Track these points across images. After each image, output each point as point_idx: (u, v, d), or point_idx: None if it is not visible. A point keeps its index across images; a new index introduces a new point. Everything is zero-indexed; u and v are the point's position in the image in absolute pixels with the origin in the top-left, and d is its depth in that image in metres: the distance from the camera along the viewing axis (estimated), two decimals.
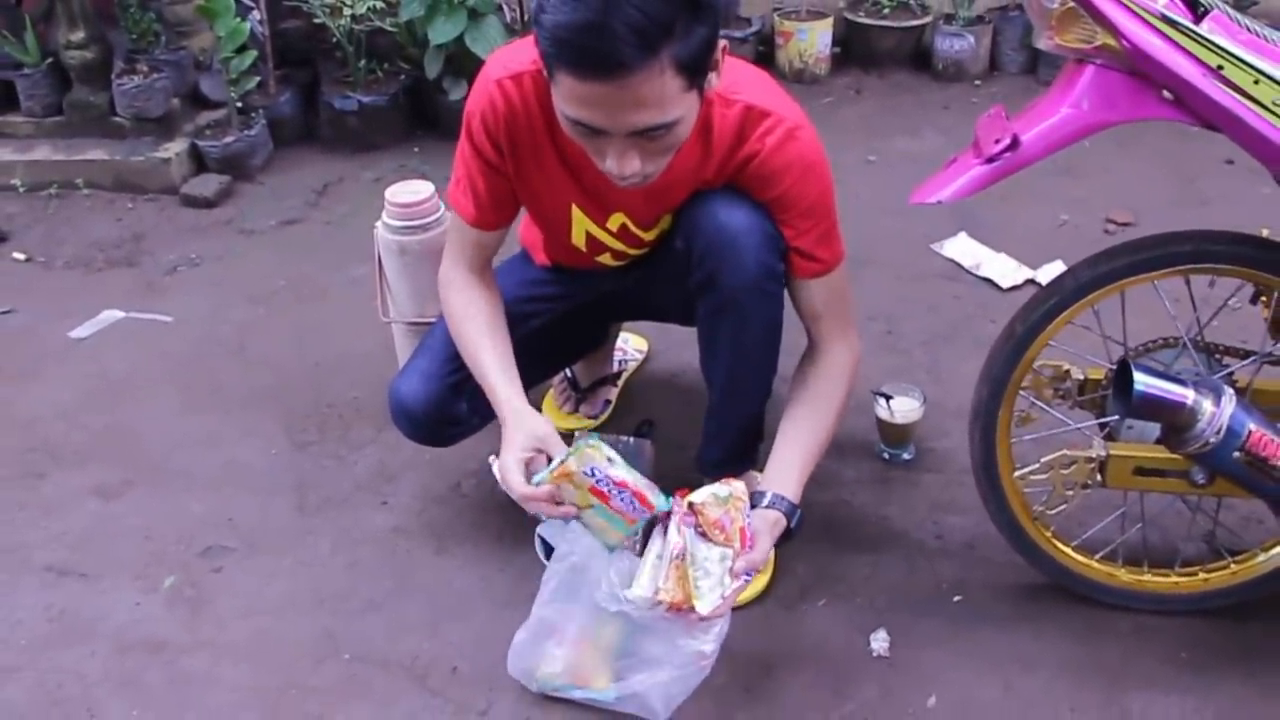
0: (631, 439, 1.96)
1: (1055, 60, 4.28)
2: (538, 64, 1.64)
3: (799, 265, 1.77)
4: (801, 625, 1.91)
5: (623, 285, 2.04)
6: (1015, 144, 1.55)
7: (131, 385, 2.57)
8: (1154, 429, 1.78)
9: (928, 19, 4.00)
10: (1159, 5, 1.45)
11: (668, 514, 1.65)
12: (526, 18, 3.64)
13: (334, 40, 3.54)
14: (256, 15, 3.52)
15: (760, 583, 1.96)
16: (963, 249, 2.93)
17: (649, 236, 1.88)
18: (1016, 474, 1.78)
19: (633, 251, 1.92)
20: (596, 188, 1.76)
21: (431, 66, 3.45)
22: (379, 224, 2.28)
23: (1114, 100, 1.52)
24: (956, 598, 1.95)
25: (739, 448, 1.99)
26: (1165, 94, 1.50)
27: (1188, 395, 1.55)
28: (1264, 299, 1.83)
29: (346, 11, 3.41)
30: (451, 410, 1.95)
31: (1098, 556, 1.90)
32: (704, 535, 1.63)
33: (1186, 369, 1.75)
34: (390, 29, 3.52)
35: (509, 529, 2.08)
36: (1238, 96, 1.46)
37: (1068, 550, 1.89)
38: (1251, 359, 1.77)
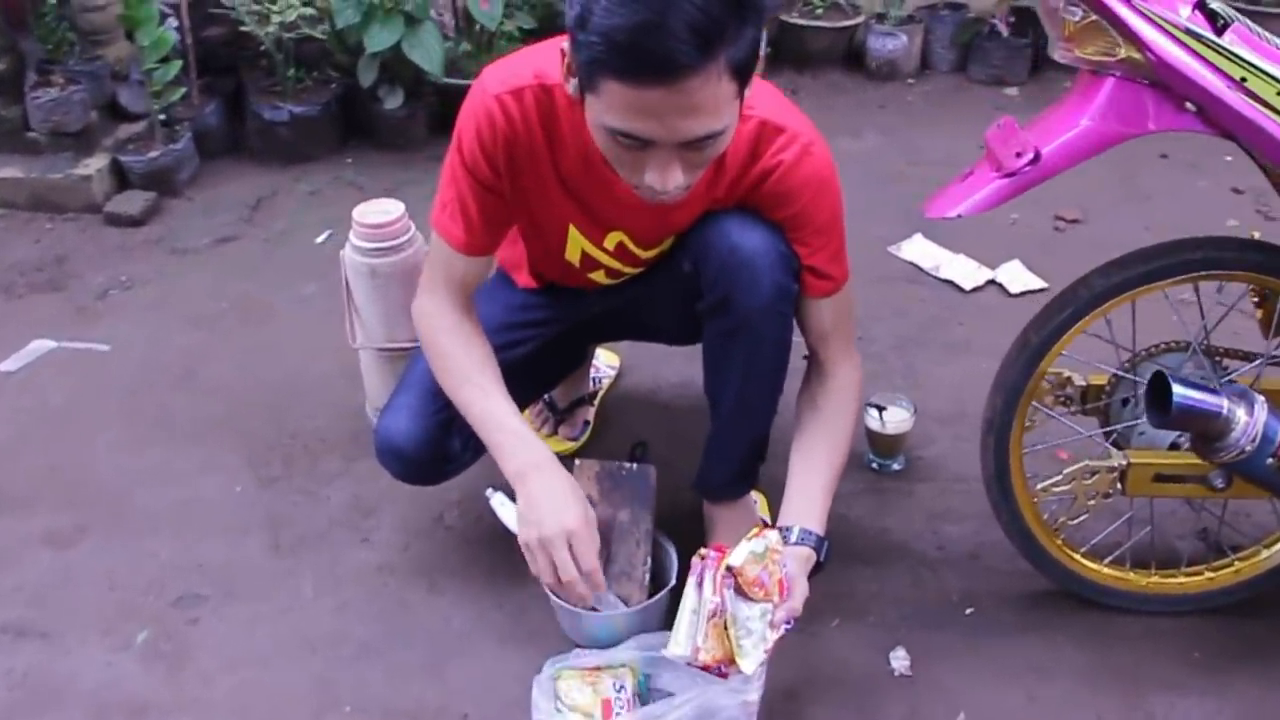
0: (635, 465, 1.91)
1: (987, 59, 4.39)
2: (539, 78, 1.60)
3: (811, 284, 1.73)
4: (818, 648, 1.87)
5: (613, 306, 1.97)
6: (1037, 158, 1.54)
7: (73, 420, 2.42)
8: (1166, 435, 1.79)
9: (860, 19, 4.00)
10: (1183, 19, 1.46)
11: (701, 565, 1.61)
12: (462, 25, 3.56)
13: (260, 48, 3.39)
14: (173, 22, 3.35)
15: None
16: (921, 251, 2.93)
17: (647, 255, 1.82)
18: (1040, 485, 1.77)
19: (628, 270, 1.86)
20: (596, 206, 1.71)
21: (366, 75, 3.32)
22: (346, 246, 2.18)
23: (1136, 112, 1.53)
24: (968, 610, 1.94)
25: (743, 470, 1.95)
26: (1188, 105, 1.51)
27: (1222, 404, 1.56)
28: (1256, 301, 1.85)
29: (275, 19, 3.26)
30: (445, 447, 1.86)
31: (1106, 561, 1.91)
32: (742, 594, 1.59)
33: (1192, 373, 1.76)
34: (319, 36, 3.38)
35: (500, 562, 2.00)
36: (1259, 107, 1.48)
37: (1077, 557, 1.89)
38: (1258, 361, 1.79)
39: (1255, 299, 1.84)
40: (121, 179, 3.26)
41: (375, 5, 3.22)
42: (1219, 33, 1.47)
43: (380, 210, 2.16)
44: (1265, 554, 1.88)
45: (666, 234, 1.77)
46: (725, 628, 1.58)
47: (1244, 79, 1.46)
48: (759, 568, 1.59)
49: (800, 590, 1.63)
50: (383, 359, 2.24)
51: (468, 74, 3.50)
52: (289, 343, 2.65)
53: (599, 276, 1.87)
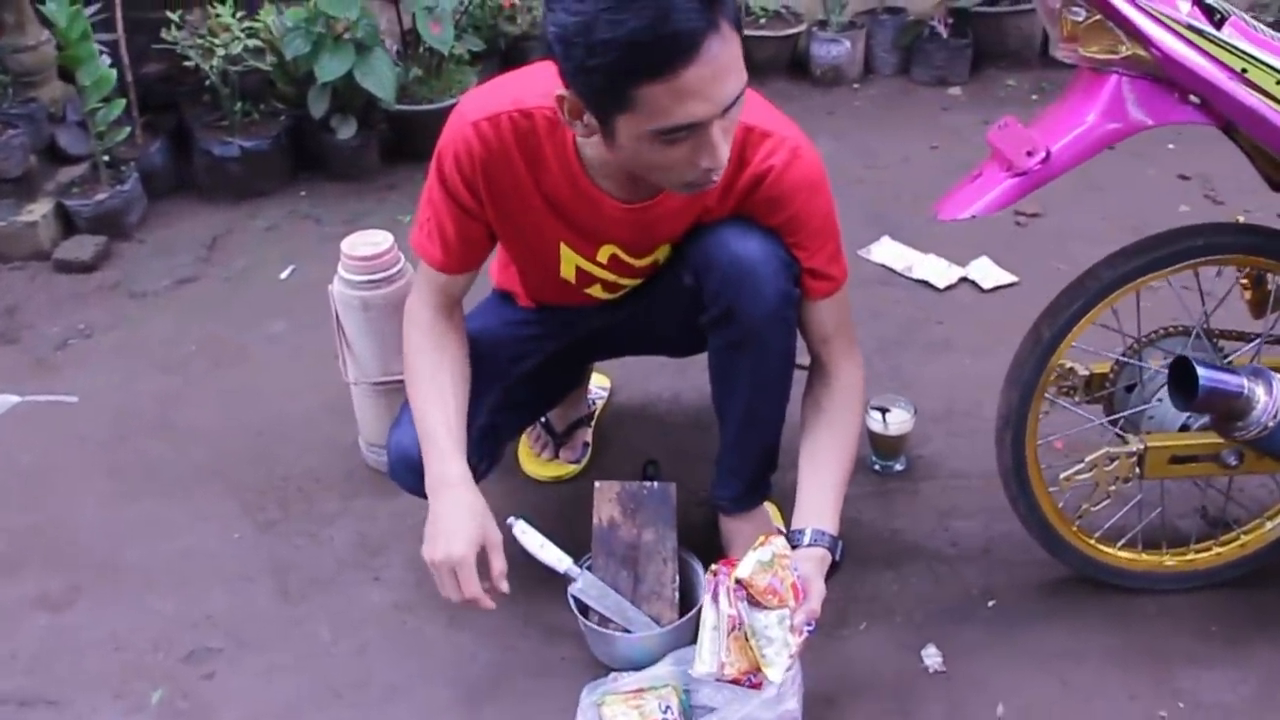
0: (654, 485, 1.91)
1: (929, 61, 4.47)
2: (517, 103, 1.62)
3: (812, 286, 1.75)
4: (850, 651, 1.88)
5: (614, 320, 1.97)
6: (1048, 156, 1.57)
7: (49, 476, 2.33)
8: (1175, 419, 1.82)
9: (802, 27, 4.04)
10: (1183, 14, 1.50)
11: (714, 581, 1.63)
12: (411, 50, 3.52)
13: (205, 83, 3.32)
14: (106, 60, 3.25)
15: None
16: (891, 253, 2.96)
17: (642, 264, 1.81)
18: (1063, 475, 1.79)
19: (624, 281, 1.85)
20: (584, 223, 1.71)
21: (317, 105, 3.27)
22: (335, 280, 2.14)
23: (1142, 107, 1.57)
24: (990, 603, 1.96)
25: (756, 481, 1.95)
26: (1191, 98, 1.55)
27: (1243, 384, 1.60)
28: (1245, 284, 1.90)
29: (220, 52, 3.20)
30: None
31: (1119, 545, 1.94)
32: (757, 603, 1.60)
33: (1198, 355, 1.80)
34: (265, 68, 3.32)
35: (521, 591, 1.95)
36: (1261, 97, 1.52)
37: (1093, 542, 1.93)
38: (1255, 341, 1.84)
39: (1245, 282, 1.90)
40: (67, 224, 3.17)
41: (324, 34, 3.18)
42: (1218, 26, 1.50)
43: (369, 242, 2.12)
44: (1269, 525, 1.93)
45: (657, 243, 1.78)
46: (746, 639, 1.59)
47: (1245, 70, 1.50)
48: (769, 575, 1.60)
49: (817, 591, 1.64)
50: (377, 393, 2.20)
51: (418, 99, 3.48)
52: (266, 383, 2.59)
53: (596, 291, 1.87)
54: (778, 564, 1.62)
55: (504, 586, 1.68)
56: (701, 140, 1.41)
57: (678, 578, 1.85)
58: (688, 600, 1.86)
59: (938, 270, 2.88)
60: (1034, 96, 3.97)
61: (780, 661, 1.59)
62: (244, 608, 2.00)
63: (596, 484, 1.89)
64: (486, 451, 1.91)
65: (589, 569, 1.86)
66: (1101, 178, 3.27)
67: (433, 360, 1.77)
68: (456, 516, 1.67)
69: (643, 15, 1.29)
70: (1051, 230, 3.06)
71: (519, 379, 1.95)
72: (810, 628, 1.61)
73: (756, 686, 1.63)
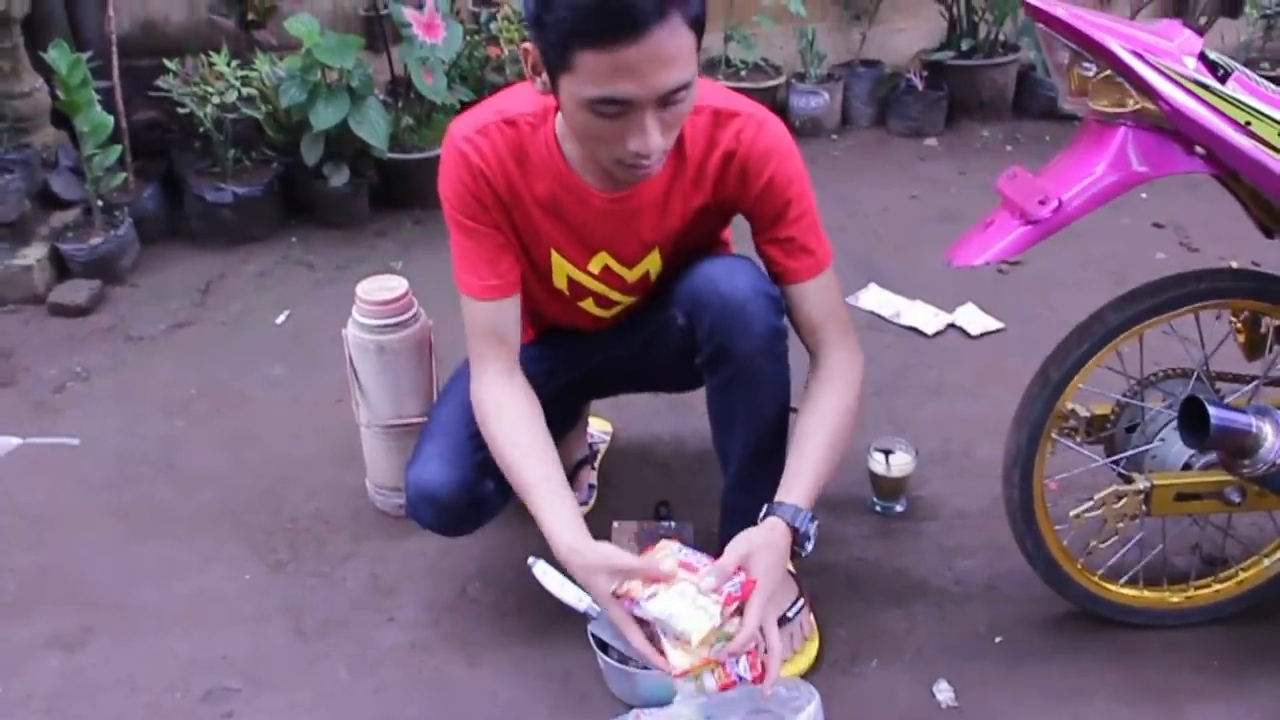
0: (671, 523, 1.94)
1: (905, 112, 4.59)
2: (500, 114, 1.72)
3: (795, 268, 1.79)
4: (864, 687, 1.91)
5: (613, 355, 2.02)
6: (1060, 205, 1.63)
7: (55, 518, 2.33)
8: (1178, 458, 1.88)
9: (781, 79, 4.14)
10: (1190, 69, 1.57)
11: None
12: (402, 99, 3.57)
13: (200, 130, 3.35)
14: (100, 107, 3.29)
15: (810, 652, 1.96)
16: (879, 300, 3.03)
17: (633, 277, 1.87)
18: (1073, 513, 1.84)
19: (615, 295, 1.91)
20: (574, 222, 1.78)
21: (310, 153, 3.31)
22: (349, 324, 2.16)
23: (1150, 157, 1.64)
24: (998, 639, 2.00)
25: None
26: (1197, 149, 1.62)
27: (1251, 422, 1.66)
28: (1239, 328, 1.98)
29: (214, 100, 3.23)
30: (479, 491, 1.88)
31: (1121, 582, 2.00)
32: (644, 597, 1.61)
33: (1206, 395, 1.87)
34: (258, 115, 3.36)
35: (535, 628, 2.00)
36: (1264, 148, 1.58)
37: (1096, 579, 1.98)
38: (1254, 383, 1.92)
39: (1239, 326, 1.97)
40: (62, 268, 3.18)
41: (319, 83, 3.22)
42: (1222, 81, 1.58)
43: (385, 287, 2.15)
44: (1267, 563, 1.99)
45: (645, 246, 1.83)
46: (667, 634, 1.59)
47: (1248, 122, 1.57)
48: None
49: (759, 565, 1.64)
50: (389, 435, 2.22)
51: (409, 148, 3.52)
52: (269, 426, 2.60)
53: (589, 305, 1.93)
54: (652, 555, 1.67)
55: None
56: (633, 121, 1.48)
57: None
58: None
59: (925, 317, 2.95)
60: (1008, 147, 4.08)
61: (702, 626, 1.56)
62: (260, 648, 2.00)
63: (615, 524, 1.92)
64: (501, 484, 1.89)
65: None
66: (1079, 227, 3.26)
67: (514, 429, 1.79)
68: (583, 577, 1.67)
69: None
70: (1034, 278, 3.15)
71: None
72: (735, 594, 1.59)
73: (733, 684, 1.61)
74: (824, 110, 4.07)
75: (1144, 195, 3.56)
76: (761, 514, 1.73)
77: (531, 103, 1.71)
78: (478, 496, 1.89)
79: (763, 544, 1.67)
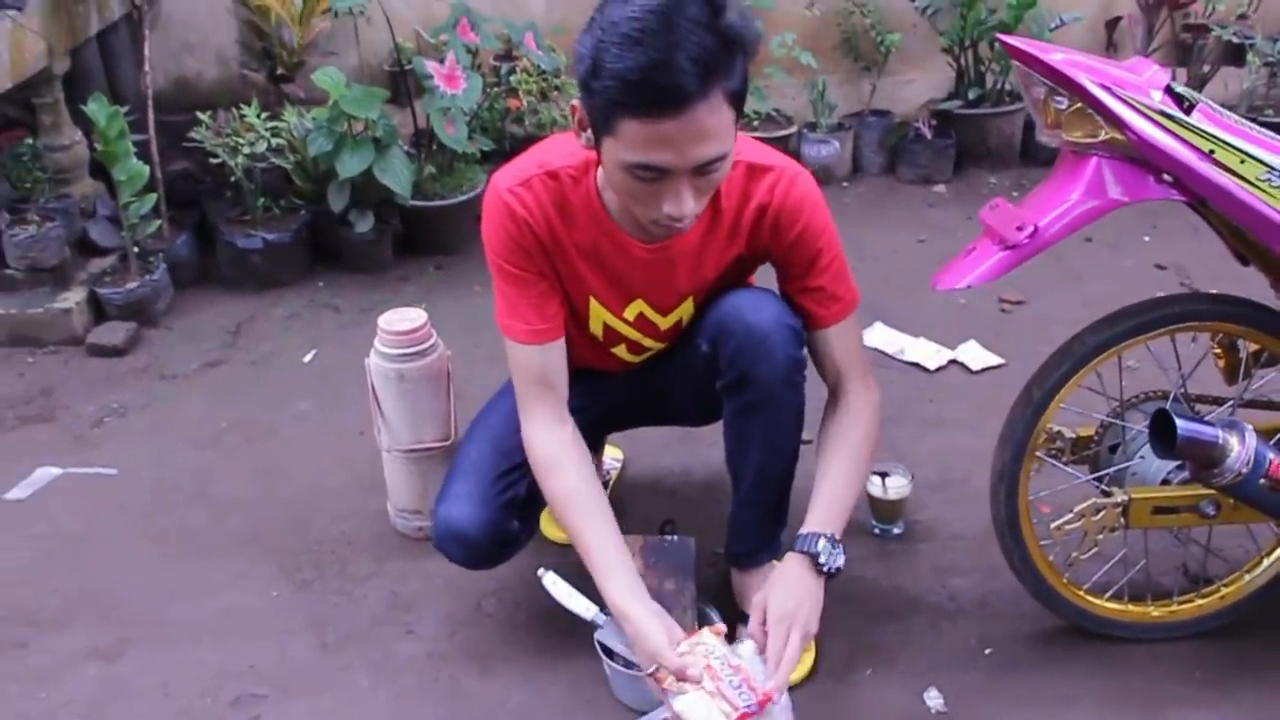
0: (675, 538, 2.02)
1: (914, 160, 4.74)
2: (543, 166, 1.80)
3: (822, 314, 1.89)
4: (858, 694, 2.00)
5: (636, 390, 2.12)
6: (1036, 231, 1.73)
7: (94, 542, 2.45)
8: (1157, 474, 1.97)
9: (793, 129, 4.26)
10: (1156, 101, 1.66)
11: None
12: (425, 149, 3.72)
13: (231, 179, 3.51)
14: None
15: (807, 661, 2.04)
16: (883, 337, 3.13)
17: (666, 324, 1.97)
18: (1054, 525, 1.93)
19: (648, 342, 2.00)
20: (615, 272, 1.87)
21: (337, 201, 3.45)
22: (371, 354, 2.29)
23: (1120, 185, 1.73)
24: (988, 650, 2.08)
25: (766, 537, 2.08)
26: (1165, 177, 1.71)
27: (1218, 434, 1.75)
28: (1218, 352, 2.07)
29: (245, 150, 3.39)
30: (506, 530, 1.97)
31: (1106, 597, 2.07)
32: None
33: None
34: (286, 165, 3.52)
35: (548, 641, 2.10)
36: (1227, 175, 1.67)
37: (1082, 594, 2.06)
38: (1228, 404, 2.01)
39: (1218, 350, 2.06)
40: (99, 311, 3.33)
41: (345, 133, 3.38)
42: (1187, 112, 1.67)
43: (405, 318, 2.28)
44: (1247, 578, 2.07)
45: (680, 296, 1.92)
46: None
47: (1212, 151, 1.66)
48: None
49: (775, 610, 1.75)
50: (409, 460, 2.33)
51: (431, 195, 3.67)
52: (296, 459, 2.72)
53: (621, 351, 2.02)
54: (693, 649, 1.73)
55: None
56: (668, 187, 1.58)
57: (697, 625, 1.94)
58: None
59: (928, 353, 3.05)
60: (1015, 193, 4.15)
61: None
62: (286, 658, 2.11)
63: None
64: (525, 522, 2.03)
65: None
66: (1080, 268, 3.47)
67: (565, 483, 1.86)
68: (644, 633, 1.73)
69: (644, 59, 1.47)
70: (1034, 316, 3.25)
71: None
72: (740, 698, 1.67)
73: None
74: (835, 158, 4.19)
75: (1146, 238, 3.67)
76: (796, 542, 1.82)
77: (573, 155, 1.79)
78: (505, 536, 1.98)
79: (774, 582, 1.80)
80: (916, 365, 3.04)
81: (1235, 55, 4.20)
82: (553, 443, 1.88)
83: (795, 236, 1.84)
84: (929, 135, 4.24)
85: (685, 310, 1.96)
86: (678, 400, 2.12)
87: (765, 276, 1.98)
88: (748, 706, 1.66)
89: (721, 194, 1.79)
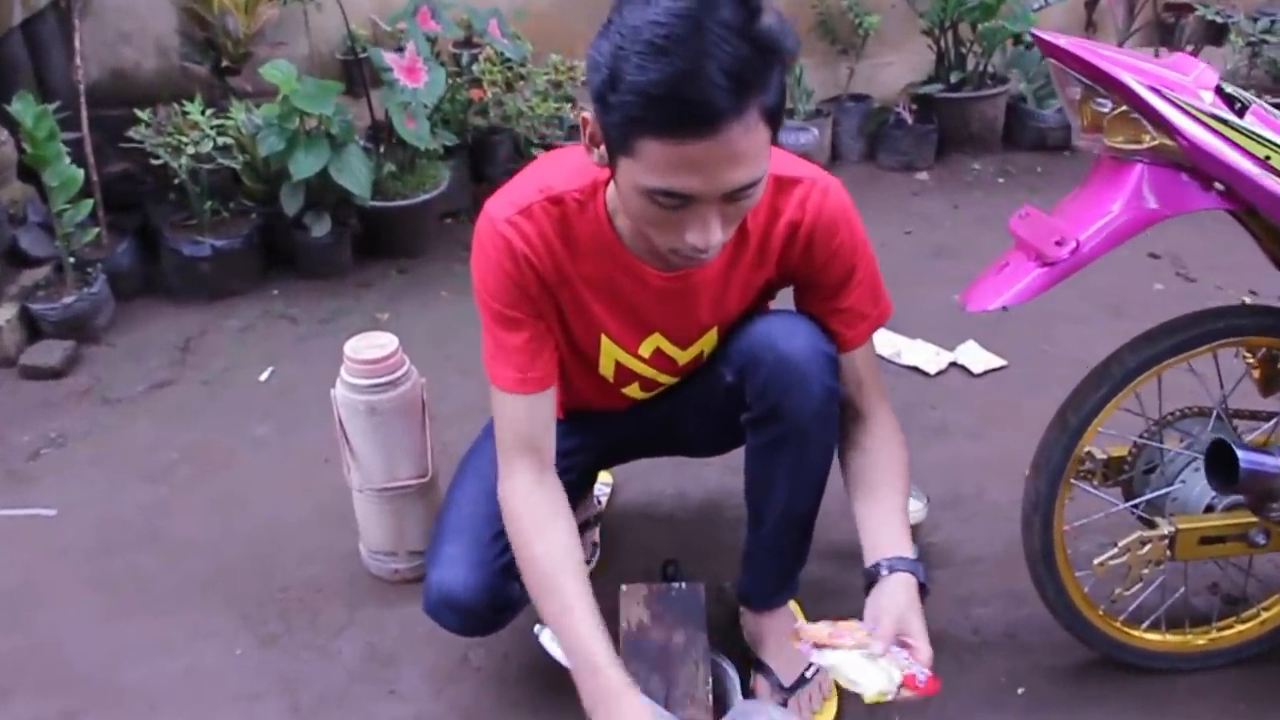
0: (683, 585, 1.89)
1: (895, 146, 4.54)
2: (544, 190, 1.59)
3: (852, 335, 1.74)
4: None
5: (644, 425, 1.94)
6: (1077, 245, 1.58)
7: (33, 595, 2.23)
8: (1200, 500, 1.83)
9: None
10: (1207, 104, 1.53)
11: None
12: (384, 145, 3.51)
13: (175, 181, 3.28)
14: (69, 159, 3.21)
15: (830, 712, 1.90)
16: (879, 339, 2.92)
17: (686, 359, 1.79)
18: (1096, 561, 1.79)
19: (663, 379, 1.83)
20: (628, 303, 1.68)
21: (291, 202, 3.24)
22: (337, 384, 2.09)
23: (1168, 194, 1.60)
24: (1020, 690, 1.95)
25: (787, 577, 1.93)
26: (1216, 186, 1.58)
27: None
28: (1252, 364, 1.93)
29: (189, 150, 3.16)
30: (505, 595, 1.76)
31: (1144, 626, 1.95)
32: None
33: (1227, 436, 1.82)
34: (234, 165, 3.29)
35: (539, 696, 1.93)
36: None
37: (1119, 625, 1.93)
38: (1274, 421, 1.87)
39: (1253, 361, 1.92)
40: (33, 328, 3.09)
41: (298, 131, 3.16)
42: (1239, 115, 1.54)
43: (374, 345, 2.08)
44: None
45: (703, 328, 1.75)
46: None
47: (1268, 157, 1.53)
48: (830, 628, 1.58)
49: (895, 621, 1.55)
50: (382, 499, 2.14)
51: (391, 195, 3.46)
52: (255, 489, 2.52)
53: (633, 391, 1.85)
54: (844, 627, 1.58)
55: None
56: (694, 215, 1.38)
57: (710, 679, 1.80)
58: (721, 703, 1.81)
59: (926, 356, 2.91)
60: (1000, 180, 4.07)
61: (873, 684, 1.51)
62: None
63: (623, 588, 1.85)
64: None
65: None
66: None
67: (549, 548, 1.64)
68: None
69: (668, 71, 1.26)
70: (1033, 313, 3.03)
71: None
72: (913, 669, 1.52)
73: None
74: (813, 146, 4.04)
75: None
76: (884, 570, 1.61)
77: (577, 175, 1.60)
78: (504, 602, 1.78)
79: (908, 605, 1.57)
80: (915, 369, 2.89)
81: (1217, 35, 4.20)
82: (533, 502, 1.67)
83: (829, 255, 1.67)
84: (910, 120, 4.15)
85: (708, 342, 1.77)
86: (690, 433, 1.95)
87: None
88: (919, 672, 1.52)
89: (748, 212, 1.57)
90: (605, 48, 1.32)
